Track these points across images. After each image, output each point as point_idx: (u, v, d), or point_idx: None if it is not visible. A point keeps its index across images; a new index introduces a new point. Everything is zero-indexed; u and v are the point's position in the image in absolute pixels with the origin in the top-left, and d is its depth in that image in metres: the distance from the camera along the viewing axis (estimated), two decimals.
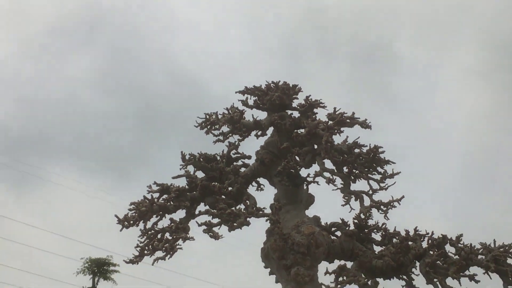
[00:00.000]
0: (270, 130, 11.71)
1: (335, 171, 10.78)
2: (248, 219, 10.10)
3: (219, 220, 10.22)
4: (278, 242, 10.05)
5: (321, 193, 11.25)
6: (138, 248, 10.32)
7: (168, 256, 10.26)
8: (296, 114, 11.63)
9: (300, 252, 9.98)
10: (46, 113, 64.88)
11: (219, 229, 10.23)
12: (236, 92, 11.74)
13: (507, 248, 10.19)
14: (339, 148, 10.90)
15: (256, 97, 11.77)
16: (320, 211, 11.25)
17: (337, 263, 10.51)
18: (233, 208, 10.33)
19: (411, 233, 10.68)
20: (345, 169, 10.88)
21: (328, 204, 12.12)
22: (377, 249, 10.88)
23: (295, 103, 11.77)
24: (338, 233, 10.94)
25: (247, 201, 10.52)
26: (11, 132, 62.44)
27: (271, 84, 11.75)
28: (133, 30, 70.34)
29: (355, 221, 10.81)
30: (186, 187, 10.87)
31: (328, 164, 10.84)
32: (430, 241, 10.59)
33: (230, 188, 10.83)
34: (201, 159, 11.14)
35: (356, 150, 10.86)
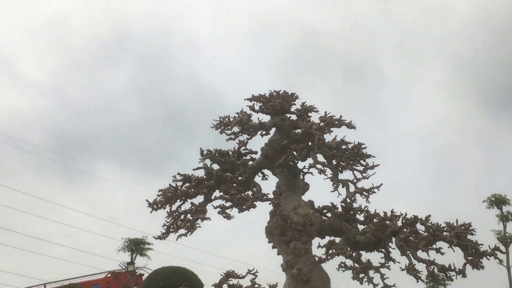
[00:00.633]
0: (272, 130, 12.33)
1: (326, 163, 11.41)
2: (254, 202, 10.85)
3: (231, 203, 11.00)
4: (279, 222, 10.79)
5: (314, 181, 11.98)
6: (165, 227, 11.18)
7: (189, 233, 11.07)
8: (294, 117, 12.23)
9: (297, 230, 10.72)
10: (90, 119, 73.56)
11: (231, 211, 11.02)
12: (244, 99, 12.32)
13: (467, 226, 10.77)
14: (329, 145, 11.48)
15: (261, 103, 12.35)
16: (314, 196, 11.94)
17: (327, 239, 11.15)
18: (242, 194, 11.11)
19: (388, 214, 11.21)
20: (334, 162, 11.44)
21: (320, 190, 12.63)
22: (361, 227, 11.39)
23: (293, 108, 12.31)
24: (329, 214, 11.58)
25: (254, 188, 11.32)
26: (65, 136, 71.57)
27: (273, 93, 12.28)
28: (161, 48, 79.26)
29: (342, 204, 11.38)
30: (204, 177, 11.59)
31: (320, 158, 11.53)
32: (404, 220, 11.09)
33: (240, 178, 11.51)
34: (216, 154, 11.81)
35: (343, 146, 11.43)
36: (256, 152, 12.33)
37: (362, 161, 11.45)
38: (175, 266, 23.43)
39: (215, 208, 11.00)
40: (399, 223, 11.12)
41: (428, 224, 10.97)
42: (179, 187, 11.43)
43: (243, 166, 11.73)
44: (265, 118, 12.51)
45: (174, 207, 11.40)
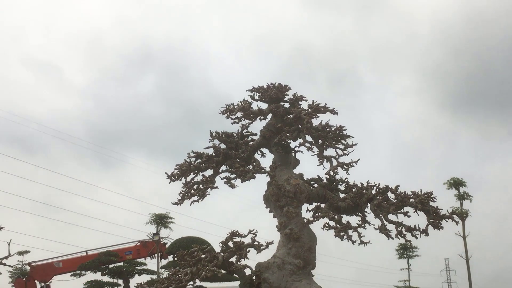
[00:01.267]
0: (269, 116, 13.50)
1: (313, 142, 12.73)
2: (254, 174, 12.30)
3: (235, 175, 12.48)
4: (275, 190, 12.23)
5: (304, 157, 13.36)
6: (180, 195, 12.64)
7: (200, 199, 12.49)
8: (287, 104, 13.44)
9: (289, 197, 12.16)
10: (123, 118, 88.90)
11: (235, 181, 12.58)
12: (246, 90, 13.51)
13: (429, 194, 12.27)
14: (316, 127, 12.79)
15: (260, 93, 13.45)
16: (303, 170, 13.42)
17: (314, 204, 12.62)
18: (245, 167, 12.46)
19: (365, 184, 12.63)
20: (320, 141, 12.78)
21: (308, 165, 13.85)
22: (342, 195, 12.86)
23: (286, 97, 13.47)
24: (315, 185, 12.99)
25: (254, 163, 12.66)
26: (102, 131, 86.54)
27: (270, 84, 13.47)
28: (179, 60, 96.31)
29: (327, 176, 12.85)
30: (213, 154, 12.86)
31: (308, 138, 12.80)
32: (377, 189, 12.55)
33: (242, 155, 12.75)
34: (223, 136, 13.00)
35: (327, 129, 12.78)
36: (256, 134, 13.55)
37: (343, 141, 12.94)
38: (192, 236, 29.26)
39: (222, 179, 12.52)
40: (374, 192, 12.65)
41: (397, 192, 12.53)
42: (193, 163, 12.81)
43: (245, 145, 12.93)
44: (263, 105, 13.70)
45: (188, 179, 12.83)
